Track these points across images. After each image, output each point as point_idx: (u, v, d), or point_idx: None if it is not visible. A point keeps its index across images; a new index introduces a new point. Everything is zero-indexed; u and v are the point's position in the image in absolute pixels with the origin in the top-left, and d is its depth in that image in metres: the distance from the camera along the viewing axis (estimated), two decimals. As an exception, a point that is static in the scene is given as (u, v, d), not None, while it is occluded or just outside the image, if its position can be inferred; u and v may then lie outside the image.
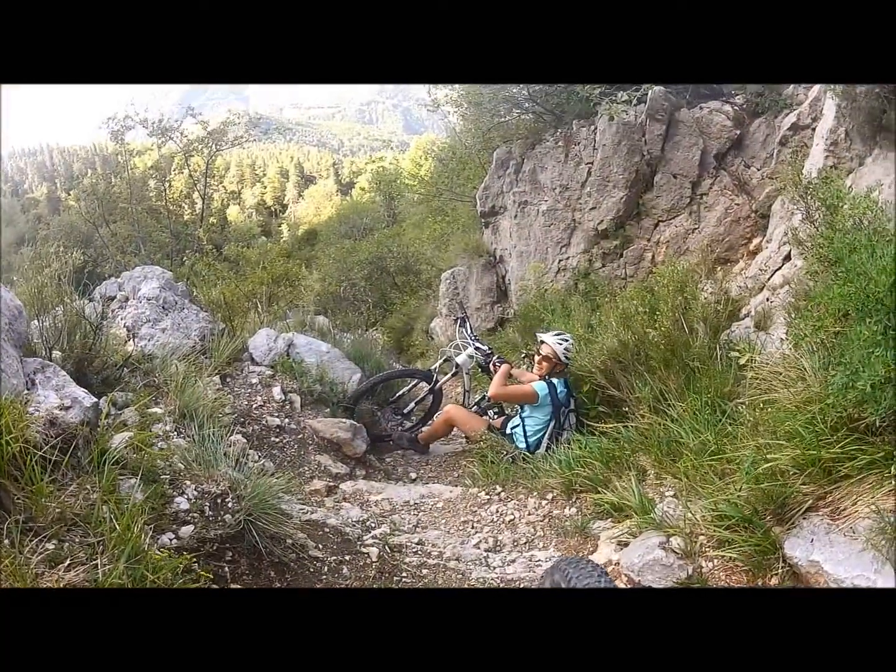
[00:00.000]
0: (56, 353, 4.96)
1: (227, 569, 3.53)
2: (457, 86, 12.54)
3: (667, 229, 10.19)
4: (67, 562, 2.73)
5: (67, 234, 27.82)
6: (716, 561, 3.72)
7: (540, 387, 6.66)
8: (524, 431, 6.70)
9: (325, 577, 4.01)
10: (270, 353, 7.29)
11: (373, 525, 5.13)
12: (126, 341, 6.57)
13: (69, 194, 27.02)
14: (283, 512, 4.11)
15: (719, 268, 8.78)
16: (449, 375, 7.99)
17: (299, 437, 6.39)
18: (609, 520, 4.77)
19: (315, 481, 5.90)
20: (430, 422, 7.91)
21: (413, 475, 7.00)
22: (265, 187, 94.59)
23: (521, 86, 11.71)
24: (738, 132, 9.75)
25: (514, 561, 4.67)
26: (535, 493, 5.69)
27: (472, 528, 5.37)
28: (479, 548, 4.92)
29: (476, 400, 7.83)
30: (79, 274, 6.25)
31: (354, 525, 4.95)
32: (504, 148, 12.43)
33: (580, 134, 10.89)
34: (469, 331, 7.97)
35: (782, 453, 3.61)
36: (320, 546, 4.28)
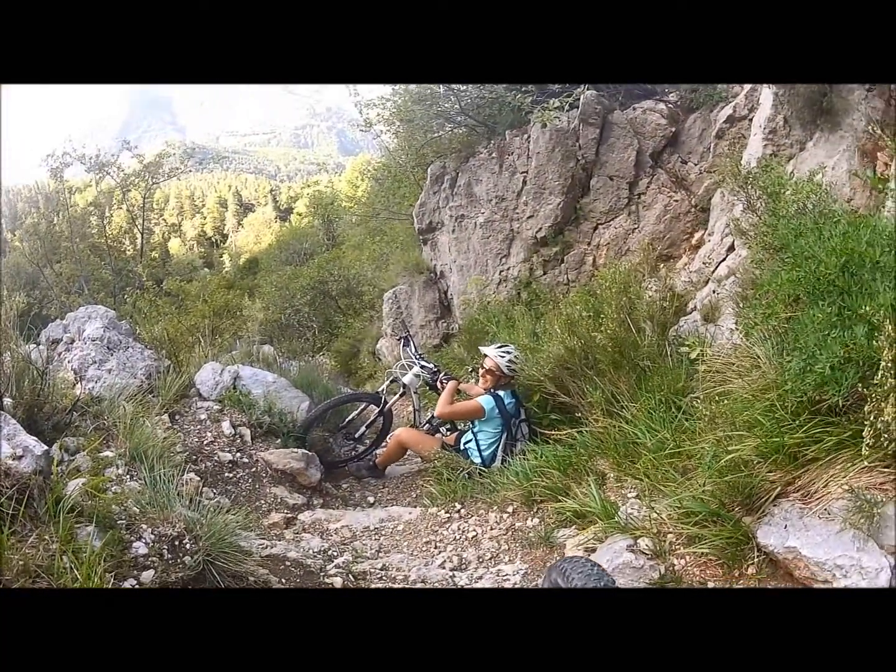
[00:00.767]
0: (7, 401, 4.78)
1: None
2: (388, 104, 12.50)
3: (606, 232, 10.27)
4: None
5: (13, 276, 27.36)
6: (688, 558, 3.67)
7: (486, 401, 6.61)
8: (477, 446, 6.65)
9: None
10: (217, 387, 7.12)
11: (335, 554, 5.01)
12: (74, 384, 6.37)
13: (14, 235, 26.56)
14: (243, 549, 3.99)
15: (662, 265, 8.82)
16: (397, 396, 7.89)
17: (253, 470, 6.22)
18: (573, 527, 4.70)
19: (273, 514, 5.74)
20: (383, 444, 7.81)
21: (371, 499, 6.88)
22: (205, 218, 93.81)
23: (453, 100, 11.74)
24: (673, 129, 9.91)
25: (481, 577, 4.58)
26: (495, 508, 5.61)
27: (436, 547, 5.26)
28: (444, 567, 4.81)
29: (427, 418, 7.72)
30: (24, 318, 6.06)
31: (316, 556, 4.83)
32: (438, 163, 12.44)
33: (513, 144, 10.95)
34: (413, 349, 7.91)
35: (743, 443, 3.58)
36: (283, 580, 4.16)
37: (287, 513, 5.85)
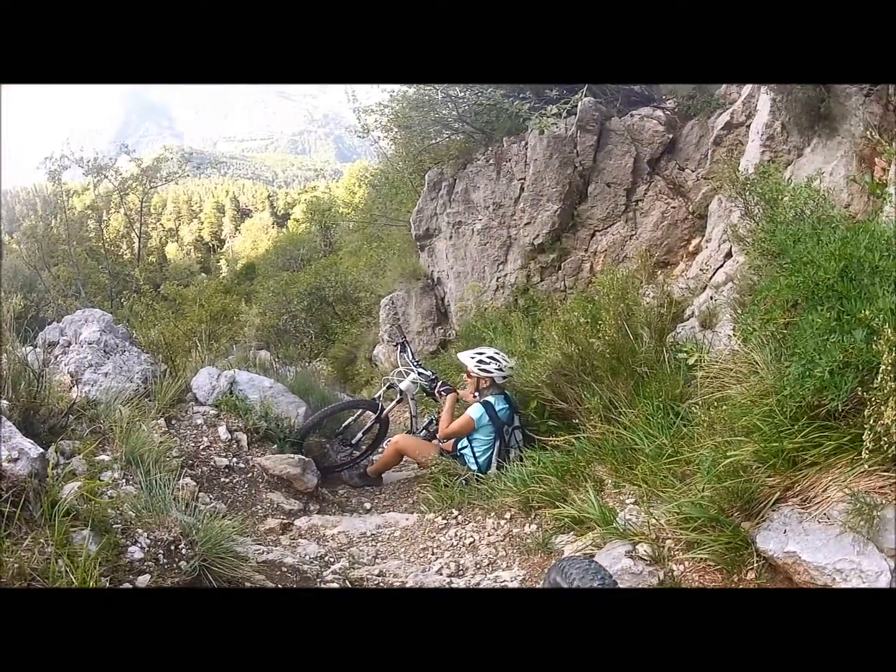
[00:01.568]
0: (3, 403, 4.75)
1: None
2: (386, 110, 12.48)
3: (603, 238, 10.24)
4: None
5: (10, 278, 27.29)
6: (687, 563, 3.67)
7: (475, 411, 6.61)
8: (473, 452, 6.64)
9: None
10: (213, 391, 7.09)
11: (331, 560, 5.00)
12: (70, 388, 6.35)
13: (11, 237, 26.50)
14: (239, 554, 3.97)
15: (659, 271, 8.80)
16: (394, 403, 7.87)
17: (249, 475, 6.19)
18: (571, 533, 4.67)
19: (269, 520, 5.72)
20: (378, 450, 7.78)
21: (367, 505, 6.85)
22: (202, 223, 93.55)
23: (451, 106, 11.72)
24: (670, 136, 9.89)
25: (478, 584, 4.55)
26: (492, 514, 5.59)
27: (433, 553, 5.24)
28: (441, 574, 4.77)
29: (424, 424, 7.70)
30: (21, 320, 6.04)
31: (312, 562, 4.81)
32: (435, 170, 12.41)
33: (511, 150, 10.92)
34: (410, 356, 7.88)
35: (742, 449, 3.57)
36: (280, 586, 4.13)
37: (283, 518, 5.84)
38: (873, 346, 2.95)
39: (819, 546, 3.03)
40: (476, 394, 6.85)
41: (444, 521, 5.75)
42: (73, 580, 2.90)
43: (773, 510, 3.40)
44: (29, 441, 3.77)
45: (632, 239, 9.97)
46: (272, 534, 5.51)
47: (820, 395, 3.22)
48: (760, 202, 5.14)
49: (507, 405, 6.67)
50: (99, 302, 17.88)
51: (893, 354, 2.81)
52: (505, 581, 4.52)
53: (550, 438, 6.06)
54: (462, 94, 11.82)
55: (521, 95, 10.56)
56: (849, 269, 3.48)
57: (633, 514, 4.19)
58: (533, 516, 5.30)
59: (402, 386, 7.60)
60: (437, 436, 7.06)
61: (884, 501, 2.90)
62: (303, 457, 6.61)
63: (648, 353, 5.78)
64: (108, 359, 6.82)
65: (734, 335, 4.90)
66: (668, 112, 10.08)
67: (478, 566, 4.89)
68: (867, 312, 3.02)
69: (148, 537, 3.63)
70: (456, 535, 5.45)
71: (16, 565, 2.90)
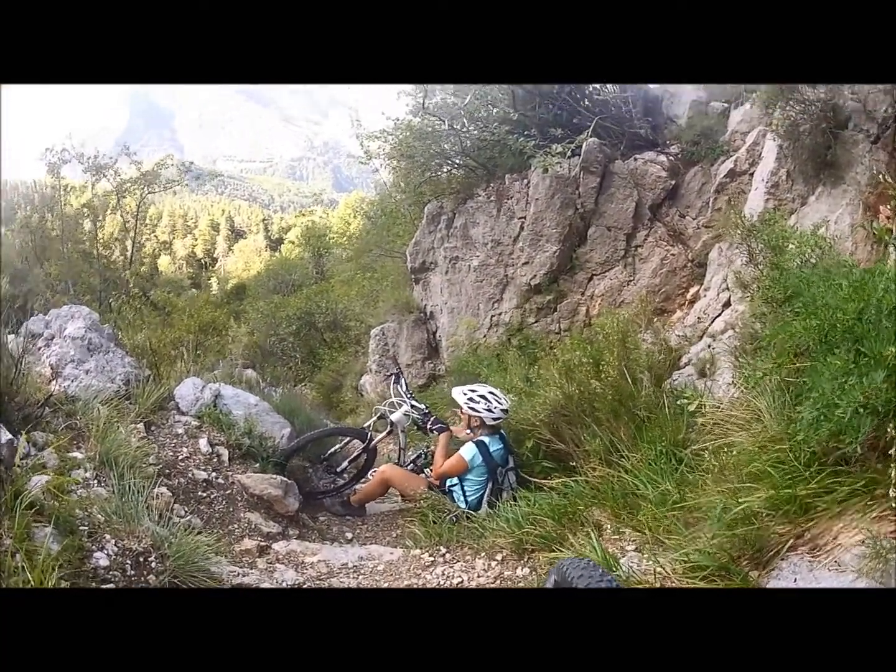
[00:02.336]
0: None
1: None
2: (389, 138, 12.43)
3: (601, 282, 10.22)
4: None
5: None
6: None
7: (467, 452, 6.39)
8: (463, 491, 6.43)
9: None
10: (197, 402, 6.88)
11: (311, 588, 4.79)
12: (50, 380, 6.19)
13: (4, 228, 26.44)
14: (213, 574, 3.80)
15: (656, 318, 8.71)
16: (384, 434, 7.69)
17: (228, 492, 5.96)
18: (568, 579, 4.49)
19: (245, 540, 5.49)
20: (363, 480, 7.57)
21: (349, 535, 6.64)
22: (196, 239, 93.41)
23: (454, 139, 11.70)
24: (672, 182, 9.89)
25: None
26: (482, 554, 5.33)
27: (418, 592, 5.04)
28: (427, 615, 4.57)
29: (412, 458, 7.50)
30: (7, 304, 5.94)
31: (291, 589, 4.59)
32: (435, 203, 12.39)
33: (513, 188, 10.92)
34: (404, 387, 7.67)
35: (754, 495, 3.44)
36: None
37: (261, 540, 5.61)
38: (893, 388, 2.87)
39: (832, 594, 2.90)
40: (468, 431, 6.65)
41: (431, 559, 5.50)
42: (30, 579, 2.79)
43: (782, 559, 3.26)
44: (-5, 425, 3.64)
45: (629, 284, 9.95)
46: (248, 556, 5.29)
47: (836, 439, 3.12)
48: (765, 249, 5.10)
49: (501, 445, 6.46)
50: (88, 301, 17.76)
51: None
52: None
53: (546, 480, 5.85)
54: (467, 128, 11.82)
55: (525, 133, 10.54)
56: (865, 310, 3.40)
57: (635, 562, 4.02)
58: (526, 559, 5.05)
59: (394, 417, 7.38)
60: (430, 478, 6.80)
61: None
62: (285, 479, 6.38)
63: (649, 397, 5.63)
64: (91, 356, 6.67)
65: (735, 383, 4.81)
66: (671, 157, 10.07)
67: (466, 609, 4.68)
68: (892, 350, 2.93)
69: (116, 545, 3.48)
70: (443, 574, 5.20)
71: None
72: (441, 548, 5.66)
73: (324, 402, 15.70)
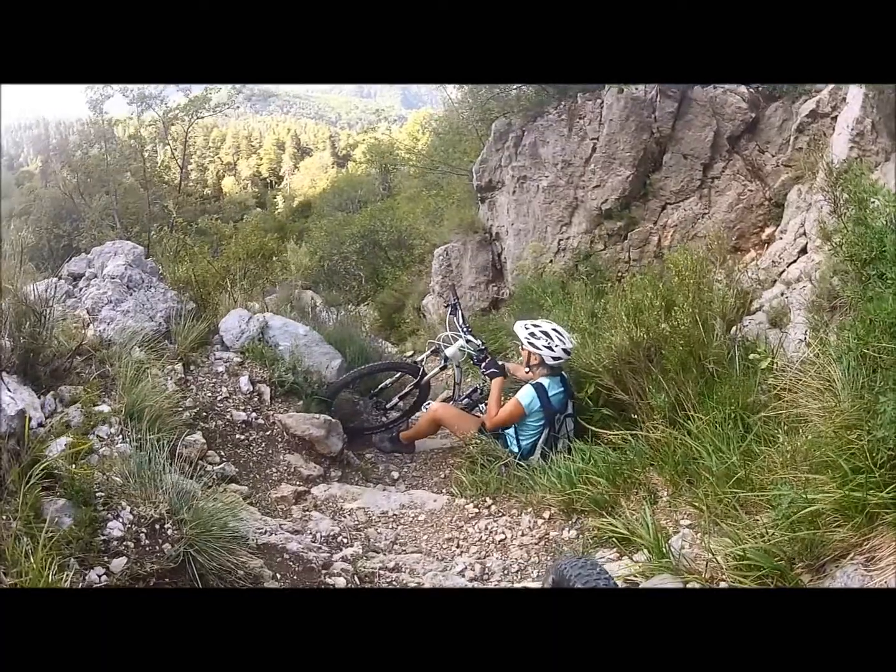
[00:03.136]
0: (6, 343, 4.34)
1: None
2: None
3: (675, 212, 9.68)
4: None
5: (52, 207, 27.30)
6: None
7: (525, 396, 5.98)
8: (516, 435, 6.07)
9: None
10: (242, 335, 6.60)
11: (344, 541, 4.58)
12: (86, 325, 5.90)
13: (61, 167, 26.55)
14: (235, 535, 3.56)
15: (729, 257, 8.19)
16: (437, 369, 7.34)
17: (267, 433, 5.75)
18: (614, 550, 4.15)
19: (283, 485, 5.29)
20: (415, 416, 7.31)
21: (395, 474, 6.44)
22: (261, 159, 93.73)
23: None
24: (753, 115, 9.23)
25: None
26: (529, 510, 5.07)
27: (458, 546, 4.80)
28: (464, 576, 4.30)
29: (467, 392, 7.19)
30: (56, 248, 5.70)
31: (320, 548, 4.32)
32: (503, 120, 11.80)
33: (585, 108, 10.31)
34: (461, 320, 7.23)
35: (823, 493, 3.03)
36: (278, 576, 3.71)
37: (299, 485, 5.41)
38: None
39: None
40: (527, 369, 6.25)
41: (476, 510, 5.29)
42: (34, 564, 2.64)
43: (837, 567, 2.92)
44: (8, 394, 3.43)
45: (704, 217, 9.41)
46: (284, 503, 5.11)
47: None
48: (851, 201, 4.56)
49: (562, 389, 6.06)
50: (136, 234, 17.63)
51: None
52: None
53: (604, 431, 5.49)
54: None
55: (602, 50, 9.94)
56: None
57: (688, 542, 3.69)
58: (574, 520, 4.79)
59: (448, 352, 7.01)
60: (485, 427, 6.37)
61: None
62: (329, 417, 6.13)
63: (720, 348, 5.18)
64: (131, 295, 6.36)
65: (809, 342, 4.37)
66: (752, 90, 9.39)
67: (506, 572, 4.40)
68: None
69: (131, 512, 3.25)
70: (486, 528, 4.98)
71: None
72: (487, 499, 5.43)
73: (385, 322, 15.73)
